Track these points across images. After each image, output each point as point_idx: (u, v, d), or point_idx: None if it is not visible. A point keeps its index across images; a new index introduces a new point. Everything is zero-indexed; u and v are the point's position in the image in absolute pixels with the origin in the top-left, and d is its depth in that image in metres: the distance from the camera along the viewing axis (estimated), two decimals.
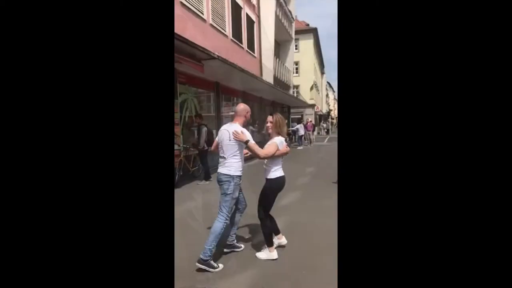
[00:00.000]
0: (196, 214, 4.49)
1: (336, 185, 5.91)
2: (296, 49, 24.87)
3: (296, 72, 26.78)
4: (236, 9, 10.93)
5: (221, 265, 2.71)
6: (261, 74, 13.09)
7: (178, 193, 5.72)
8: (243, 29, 11.63)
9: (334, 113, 61.47)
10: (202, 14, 8.36)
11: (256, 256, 2.89)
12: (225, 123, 3.14)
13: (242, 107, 2.89)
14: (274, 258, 2.84)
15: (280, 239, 3.06)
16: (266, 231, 2.87)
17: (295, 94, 22.44)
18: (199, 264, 2.63)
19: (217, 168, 2.89)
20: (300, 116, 25.63)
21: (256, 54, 13.10)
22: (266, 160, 2.86)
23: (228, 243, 2.98)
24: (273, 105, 16.43)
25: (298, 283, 2.46)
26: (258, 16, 13.47)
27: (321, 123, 36.05)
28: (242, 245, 3.08)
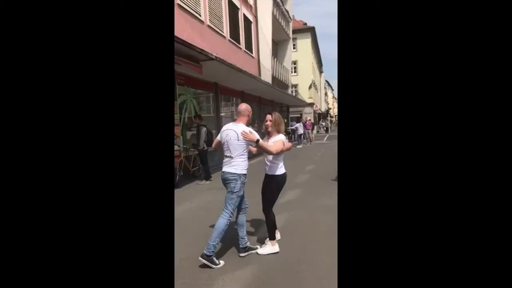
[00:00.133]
0: (197, 214, 4.55)
1: (335, 183, 5.97)
2: (294, 48, 24.94)
3: (295, 71, 26.84)
4: (233, 10, 10.98)
5: (222, 262, 2.77)
6: (260, 74, 13.13)
7: (179, 193, 5.78)
8: (240, 29, 11.67)
9: (333, 111, 61.51)
10: (200, 15, 8.40)
11: (257, 253, 2.95)
12: (225, 123, 3.19)
13: (244, 107, 2.97)
14: (276, 251, 2.94)
15: (275, 234, 3.15)
16: (271, 225, 2.97)
17: (293, 93, 22.50)
18: (202, 259, 2.69)
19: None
20: (299, 115, 25.66)
21: (254, 54, 13.14)
22: (271, 157, 2.95)
23: (242, 246, 2.95)
24: (272, 104, 16.48)
25: (298, 279, 2.51)
26: (255, 16, 13.51)
27: (320, 122, 36.09)
28: (258, 246, 3.07)
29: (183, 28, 7.19)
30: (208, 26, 8.94)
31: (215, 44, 9.11)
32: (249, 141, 2.79)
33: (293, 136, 16.95)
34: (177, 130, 7.22)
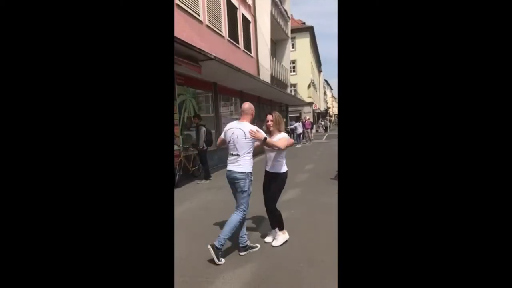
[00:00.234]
0: (197, 213, 4.58)
1: (334, 182, 5.99)
2: (292, 47, 24.98)
3: (293, 71, 26.85)
4: (231, 10, 10.99)
5: (223, 260, 2.80)
6: (258, 74, 13.15)
7: (178, 192, 5.80)
8: (239, 29, 11.69)
9: (332, 110, 61.54)
10: (198, 15, 8.42)
11: (272, 246, 3.11)
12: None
13: (247, 105, 3.01)
14: (287, 238, 3.19)
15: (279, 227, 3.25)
16: (279, 217, 3.15)
17: (292, 93, 22.51)
18: (210, 248, 2.73)
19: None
20: (298, 115, 25.70)
21: (253, 53, 13.16)
22: (276, 156, 3.04)
23: (242, 245, 2.99)
24: (271, 104, 16.50)
25: (298, 277, 2.54)
26: (254, 16, 13.53)
27: (319, 121, 36.13)
28: (258, 245, 3.11)
29: (182, 28, 7.20)
30: (207, 26, 8.96)
31: (214, 44, 9.13)
32: (256, 139, 2.85)
33: (292, 135, 16.96)
34: (177, 130, 7.25)
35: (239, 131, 2.87)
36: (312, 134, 19.48)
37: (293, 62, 26.33)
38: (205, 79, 8.87)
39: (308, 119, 19.76)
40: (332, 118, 56.62)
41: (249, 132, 2.81)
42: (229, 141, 2.92)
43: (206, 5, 8.88)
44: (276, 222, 3.16)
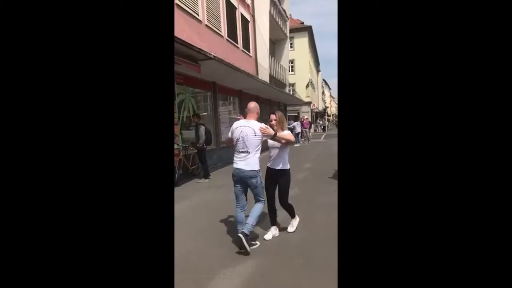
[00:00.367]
0: (196, 211, 4.62)
1: (332, 181, 6.04)
2: (291, 47, 24.98)
3: (292, 70, 26.88)
4: (230, 9, 11.02)
5: (256, 244, 3.04)
6: (257, 73, 13.18)
7: (178, 191, 5.84)
8: (238, 29, 11.72)
9: (330, 110, 61.64)
10: (198, 15, 8.45)
11: (288, 232, 3.41)
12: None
13: (253, 105, 3.14)
14: (298, 220, 3.55)
15: (274, 231, 3.36)
16: (292, 208, 3.46)
17: (291, 92, 22.55)
18: (241, 235, 2.88)
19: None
20: (296, 114, 25.76)
21: (251, 53, 13.19)
22: (283, 153, 3.25)
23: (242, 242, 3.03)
24: (270, 103, 16.54)
25: (297, 273, 2.58)
26: (253, 16, 13.56)
27: (317, 120, 36.20)
28: (258, 242, 3.15)
29: (182, 28, 7.23)
30: (206, 25, 8.99)
31: (213, 44, 9.16)
32: (267, 135, 2.96)
33: None
34: (176, 129, 7.28)
35: (248, 129, 2.96)
36: (310, 134, 19.53)
37: (292, 61, 26.36)
38: (205, 78, 8.91)
39: (306, 118, 19.83)
40: (330, 118, 56.74)
41: (260, 128, 2.92)
42: (237, 139, 2.99)
43: (205, 4, 8.91)
44: (291, 212, 3.47)
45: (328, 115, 54.49)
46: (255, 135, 2.94)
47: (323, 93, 53.24)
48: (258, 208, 3.06)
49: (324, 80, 57.22)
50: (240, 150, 3.00)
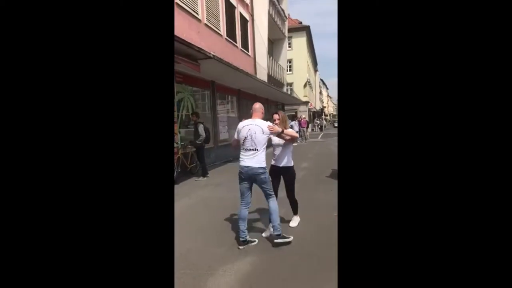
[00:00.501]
0: (195, 209, 4.67)
1: (330, 180, 6.08)
2: (289, 47, 25.04)
3: (290, 70, 26.94)
4: (230, 9, 11.05)
5: (291, 237, 3.13)
6: (255, 73, 13.23)
7: (177, 189, 5.87)
8: (237, 28, 11.75)
9: (328, 110, 61.79)
10: (197, 14, 8.48)
11: (290, 226, 3.55)
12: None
13: (258, 105, 3.27)
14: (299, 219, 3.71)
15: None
16: (296, 204, 3.63)
17: (289, 92, 22.61)
18: (278, 240, 3.06)
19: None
20: (294, 113, 25.83)
21: (250, 52, 13.23)
22: (286, 150, 3.39)
23: (242, 239, 3.09)
24: (268, 103, 16.59)
25: (295, 271, 2.63)
26: (252, 15, 13.59)
27: (315, 120, 36.31)
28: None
29: (181, 27, 7.26)
30: (205, 24, 9.02)
31: (212, 43, 9.19)
32: (275, 132, 3.09)
33: None
34: (175, 128, 7.31)
35: (256, 127, 3.05)
36: (308, 133, 19.61)
37: (290, 61, 26.43)
38: (204, 77, 8.94)
39: (304, 118, 19.91)
40: (328, 117, 56.92)
41: (268, 126, 3.05)
42: (245, 138, 3.07)
43: (204, 3, 8.94)
44: (295, 208, 3.65)
45: (326, 115, 54.65)
46: (262, 133, 3.04)
47: (320, 92, 53.38)
48: (274, 204, 3.15)
49: (321, 80, 57.37)
50: (248, 148, 3.06)
